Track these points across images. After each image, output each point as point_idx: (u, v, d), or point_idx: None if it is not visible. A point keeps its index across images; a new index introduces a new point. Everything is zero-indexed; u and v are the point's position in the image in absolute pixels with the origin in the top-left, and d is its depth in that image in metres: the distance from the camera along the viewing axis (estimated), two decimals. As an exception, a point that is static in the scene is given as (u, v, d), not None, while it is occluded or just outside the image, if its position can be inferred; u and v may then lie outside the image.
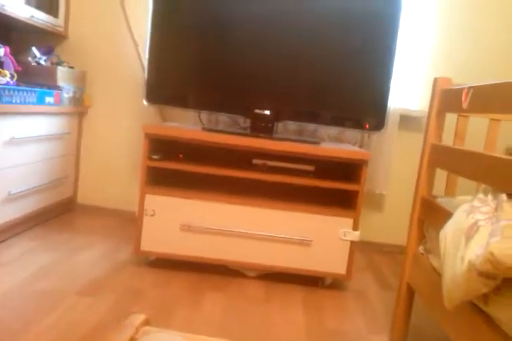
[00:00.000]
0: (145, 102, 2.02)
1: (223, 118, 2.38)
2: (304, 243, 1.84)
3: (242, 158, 2.03)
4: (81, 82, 2.49)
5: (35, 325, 1.34)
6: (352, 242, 1.84)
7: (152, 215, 1.84)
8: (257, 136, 1.88)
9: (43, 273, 1.71)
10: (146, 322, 0.52)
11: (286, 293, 1.81)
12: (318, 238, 1.84)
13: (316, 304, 1.74)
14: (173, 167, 1.84)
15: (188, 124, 2.28)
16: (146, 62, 2.00)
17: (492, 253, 0.83)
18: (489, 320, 0.95)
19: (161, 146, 1.94)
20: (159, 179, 1.96)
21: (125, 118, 2.57)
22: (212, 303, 1.63)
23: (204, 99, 2.02)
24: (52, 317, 1.39)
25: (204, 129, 1.94)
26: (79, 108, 2.48)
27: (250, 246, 1.85)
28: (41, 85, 2.21)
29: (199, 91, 2.01)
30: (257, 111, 2.01)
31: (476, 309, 1.00)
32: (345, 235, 1.84)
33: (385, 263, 2.33)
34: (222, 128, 2.18)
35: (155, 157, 1.84)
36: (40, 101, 2.12)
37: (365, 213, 2.56)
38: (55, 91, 2.23)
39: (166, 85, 2.02)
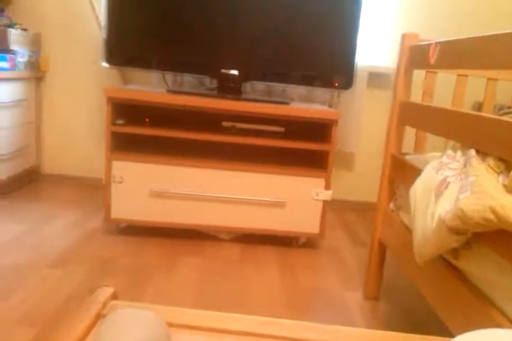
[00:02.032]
0: (105, 64, 1.93)
1: (189, 79, 2.30)
2: (276, 204, 1.84)
3: (210, 121, 1.99)
4: (36, 45, 2.36)
5: (7, 299, 1.31)
6: (324, 201, 1.85)
7: (120, 182, 1.80)
8: (225, 98, 1.83)
9: (11, 246, 1.66)
10: (114, 296, 0.50)
11: (261, 253, 1.83)
12: (290, 199, 1.84)
13: (290, 263, 1.76)
14: (138, 132, 1.79)
15: (151, 87, 2.20)
16: (103, 21, 1.90)
17: (461, 209, 0.83)
18: (459, 274, 0.97)
19: (125, 110, 1.87)
20: (125, 145, 1.90)
21: (85, 82, 2.46)
22: (186, 268, 1.63)
23: (168, 59, 1.94)
24: (24, 291, 1.36)
25: (169, 91, 1.87)
26: (35, 73, 2.36)
27: (223, 210, 1.84)
28: (-8, 49, 2.08)
29: (162, 50, 1.93)
30: (223, 71, 1.95)
31: (446, 263, 1.02)
32: (317, 195, 1.84)
33: (357, 221, 2.37)
34: (188, 89, 2.11)
35: (119, 122, 1.78)
36: (-7, 66, 2.00)
37: (336, 172, 2.57)
38: (8, 56, 2.11)
39: (127, 45, 1.92)
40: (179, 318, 0.48)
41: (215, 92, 1.97)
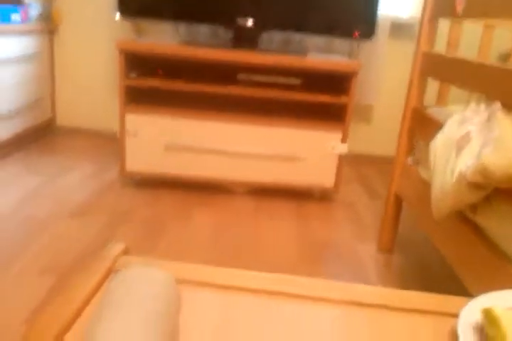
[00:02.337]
0: (118, 15, 1.87)
1: (203, 29, 2.23)
2: (292, 158, 1.82)
3: (225, 73, 1.94)
4: (47, -5, 2.29)
5: (27, 249, 1.35)
6: (340, 155, 1.83)
7: (135, 135, 1.79)
8: (240, 49, 1.77)
9: (29, 198, 1.69)
10: (126, 251, 0.50)
11: (276, 206, 1.83)
12: (307, 153, 1.82)
13: (305, 216, 1.77)
14: (152, 84, 1.75)
15: (165, 38, 2.14)
16: (114, -31, 1.82)
17: (483, 164, 0.80)
18: (477, 229, 0.96)
19: (139, 63, 1.83)
20: (139, 98, 1.87)
21: (99, 35, 2.40)
22: (201, 219, 1.65)
23: (181, 9, 1.87)
24: (43, 241, 1.40)
25: (182, 43, 1.82)
26: (48, 25, 2.30)
27: (237, 164, 1.83)
28: (4, 1, 2.02)
29: (175, 0, 1.85)
30: (239, 20, 1.87)
31: (463, 218, 1.01)
32: (333, 148, 1.82)
33: (374, 175, 2.35)
34: (203, 41, 2.05)
35: (132, 75, 1.75)
36: (5, 19, 1.95)
37: (353, 125, 2.52)
38: (21, 8, 2.05)
39: (138, -6, 1.85)
40: (189, 274, 0.48)
41: (230, 43, 1.91)
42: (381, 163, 2.53)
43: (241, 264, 1.38)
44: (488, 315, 0.38)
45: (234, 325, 0.41)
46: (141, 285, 0.38)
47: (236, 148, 1.80)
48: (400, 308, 0.45)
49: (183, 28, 2.20)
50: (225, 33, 2.21)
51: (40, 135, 2.42)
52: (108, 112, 2.52)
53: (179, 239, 1.49)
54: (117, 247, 0.50)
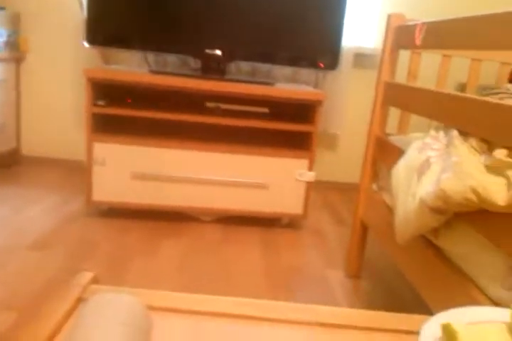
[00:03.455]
0: (85, 44, 1.89)
1: (172, 59, 2.26)
2: (260, 185, 1.84)
3: (194, 102, 1.96)
4: (15, 24, 2.29)
5: (-12, 280, 1.30)
6: (308, 182, 1.86)
7: (102, 164, 1.77)
8: (209, 78, 1.80)
9: (-9, 228, 1.64)
10: (95, 280, 0.50)
11: (244, 234, 1.83)
12: (274, 180, 1.84)
13: (273, 243, 1.77)
14: (120, 113, 1.76)
15: (133, 67, 2.16)
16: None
17: (443, 190, 0.84)
18: (439, 252, 0.99)
19: (107, 91, 1.84)
20: (107, 126, 1.87)
21: (66, 63, 2.40)
22: (169, 251, 1.63)
23: (150, 39, 1.91)
24: (3, 274, 1.35)
25: (152, 71, 1.84)
26: (15, 53, 2.29)
27: (205, 192, 1.83)
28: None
29: (144, 30, 1.89)
30: (207, 51, 1.91)
31: (426, 242, 1.04)
32: (300, 176, 1.85)
33: (340, 202, 2.39)
34: (171, 70, 2.08)
35: (100, 103, 1.75)
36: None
37: (320, 153, 2.57)
38: (-15, 34, 2.04)
39: (108, 24, 1.88)
40: (160, 301, 0.48)
41: (198, 73, 1.94)
42: (347, 190, 2.58)
43: (209, 293, 1.37)
44: (447, 329, 0.40)
45: (202, 348, 0.42)
46: (112, 311, 0.38)
47: (204, 176, 1.81)
48: (365, 327, 0.47)
49: (151, 56, 2.23)
50: (193, 62, 2.25)
51: (4, 164, 2.37)
52: (75, 141, 2.50)
53: (146, 270, 1.47)
54: (86, 276, 0.50)
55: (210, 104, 1.91)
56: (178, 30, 1.89)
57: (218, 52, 1.91)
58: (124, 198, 1.81)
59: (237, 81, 1.82)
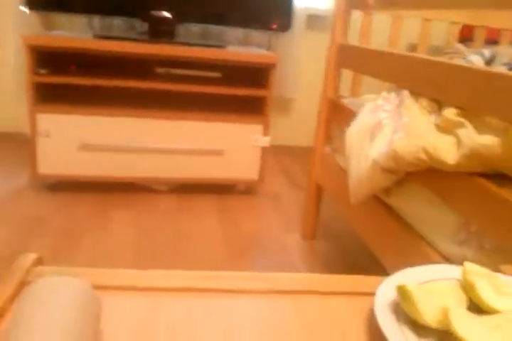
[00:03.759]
0: (25, 9, 1.75)
1: (117, 23, 2.15)
2: (214, 152, 1.81)
3: (142, 67, 1.88)
4: None
5: None
6: (263, 148, 1.85)
7: (47, 136, 1.69)
8: (157, 42, 1.72)
9: None
10: (39, 262, 0.47)
11: (200, 202, 1.82)
12: (229, 146, 1.82)
13: (230, 210, 1.77)
14: (64, 81, 1.66)
15: (77, 32, 2.04)
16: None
17: (395, 150, 0.84)
18: (391, 211, 1.01)
19: (49, 59, 1.73)
20: (51, 96, 1.77)
21: (4, 30, 2.24)
22: (122, 223, 1.59)
23: (93, 2, 1.79)
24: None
25: (96, 36, 1.74)
26: None
27: (158, 161, 1.79)
28: None
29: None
30: (154, 12, 1.82)
31: (379, 202, 1.06)
32: (255, 141, 1.83)
33: (296, 166, 2.40)
34: (117, 34, 1.98)
35: (42, 71, 1.65)
36: None
37: (274, 118, 2.56)
38: None
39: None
40: (111, 280, 0.46)
41: (146, 36, 1.86)
42: (303, 154, 2.59)
43: (167, 266, 1.35)
44: (401, 290, 0.40)
45: (160, 326, 0.40)
46: (55, 295, 0.36)
47: (156, 144, 1.76)
48: (321, 292, 0.47)
49: (95, 20, 2.11)
50: (140, 26, 2.15)
51: None
52: (17, 113, 2.36)
53: (99, 246, 1.43)
54: (29, 258, 0.47)
55: (159, 69, 1.84)
56: (121, -9, 1.78)
57: (166, 13, 1.83)
58: (72, 170, 1.74)
59: (187, 44, 1.75)
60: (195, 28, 2.21)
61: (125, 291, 0.44)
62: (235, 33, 2.26)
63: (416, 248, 0.88)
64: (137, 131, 1.74)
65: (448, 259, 0.81)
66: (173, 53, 1.68)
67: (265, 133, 1.83)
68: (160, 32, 1.85)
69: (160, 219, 1.64)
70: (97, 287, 0.44)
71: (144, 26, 2.09)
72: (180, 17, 1.86)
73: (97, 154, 1.74)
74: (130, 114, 1.72)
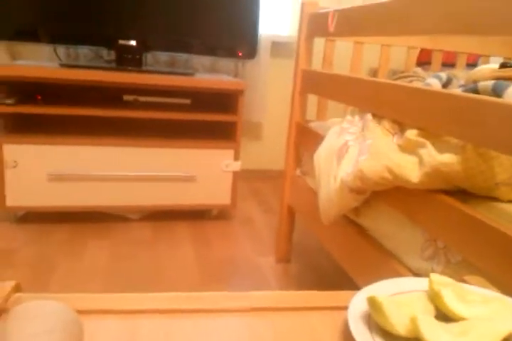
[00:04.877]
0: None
1: (84, 51, 2.16)
2: (186, 179, 1.82)
3: (110, 96, 1.90)
4: None
5: None
6: (234, 172, 1.87)
7: (14, 167, 1.66)
8: (125, 70, 1.74)
9: None
10: (17, 289, 0.47)
11: (173, 230, 1.81)
12: (201, 172, 1.83)
13: (204, 236, 1.77)
14: (30, 111, 1.65)
15: (43, 61, 2.04)
16: (-21, -12, 1.71)
17: (361, 170, 0.88)
18: (361, 230, 1.03)
19: (16, 89, 1.73)
20: (19, 126, 1.76)
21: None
22: (96, 253, 1.56)
23: (58, 31, 1.81)
24: None
25: (62, 65, 1.75)
26: None
27: (130, 189, 1.78)
28: None
29: (51, 21, 1.78)
30: (121, 41, 1.85)
31: (349, 222, 1.08)
32: (227, 166, 1.85)
33: (267, 189, 2.43)
34: (84, 63, 1.99)
35: (8, 101, 1.64)
36: None
37: (244, 142, 2.59)
38: None
39: (12, 16, 1.75)
40: (89, 304, 0.46)
41: (113, 65, 1.88)
42: (274, 177, 2.63)
43: (141, 293, 1.33)
44: (372, 302, 0.42)
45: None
46: (39, 319, 0.36)
47: (127, 172, 1.76)
48: (297, 307, 0.48)
49: (62, 49, 2.12)
50: (108, 54, 2.17)
51: None
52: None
53: (73, 276, 1.40)
54: (7, 285, 0.47)
55: (127, 97, 1.86)
56: (88, 20, 1.80)
57: (133, 42, 1.86)
58: (41, 201, 1.71)
59: (155, 72, 1.78)
60: (163, 56, 2.25)
61: (104, 315, 0.45)
62: (202, 60, 2.31)
63: (386, 265, 0.90)
64: (107, 159, 1.73)
65: (417, 274, 0.83)
66: (141, 81, 1.70)
67: (236, 157, 1.85)
68: (127, 60, 1.87)
69: (134, 247, 1.63)
70: (77, 311, 0.44)
71: (111, 55, 2.11)
72: (147, 45, 1.89)
73: (67, 184, 1.72)
74: (99, 143, 1.71)
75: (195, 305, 0.47)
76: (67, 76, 1.64)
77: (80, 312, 0.44)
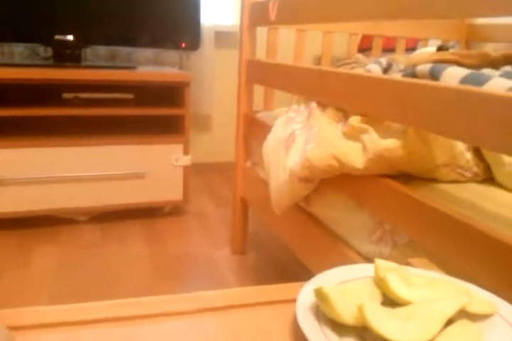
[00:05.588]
0: None
1: (19, 49, 2.06)
2: (135, 176, 1.78)
3: (49, 94, 1.82)
4: None
5: None
6: (185, 167, 1.84)
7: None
8: (63, 66, 1.67)
9: None
10: None
11: (125, 229, 1.76)
12: (150, 168, 1.79)
13: (157, 234, 1.74)
14: (-36, 112, 1.57)
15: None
16: None
17: (308, 159, 0.88)
18: (313, 219, 1.04)
19: None
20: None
21: None
22: (43, 260, 1.50)
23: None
24: None
25: (-5, 63, 1.66)
26: None
27: (76, 190, 1.72)
28: None
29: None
30: (58, 37, 1.77)
31: (300, 210, 1.09)
32: (176, 161, 1.82)
33: (220, 182, 2.41)
34: (19, 61, 1.90)
35: None
36: None
37: (194, 136, 2.56)
38: None
39: None
40: (25, 319, 0.43)
41: (51, 61, 1.80)
42: (226, 170, 2.61)
43: (95, 297, 1.29)
44: (318, 293, 0.41)
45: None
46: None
47: (73, 173, 1.70)
48: (247, 304, 0.47)
49: (-7, 47, 2.01)
50: (44, 51, 2.07)
51: None
52: None
53: (19, 285, 1.33)
54: None
55: (67, 95, 1.79)
56: (21, 16, 1.71)
57: (70, 37, 1.78)
58: (-17, 206, 1.63)
59: (95, 67, 1.72)
60: (103, 50, 2.18)
61: (42, 329, 0.42)
62: (145, 53, 2.25)
63: (337, 250, 0.91)
64: (51, 160, 1.66)
65: (366, 258, 0.85)
66: (80, 77, 1.64)
67: (186, 151, 1.82)
68: (65, 56, 1.80)
69: (84, 250, 1.57)
70: (12, 328, 0.41)
71: (48, 51, 2.02)
72: (85, 40, 1.82)
73: (10, 188, 1.64)
74: (42, 144, 1.64)
75: (137, 311, 0.45)
76: (1, 76, 1.56)
77: (14, 328, 0.41)
